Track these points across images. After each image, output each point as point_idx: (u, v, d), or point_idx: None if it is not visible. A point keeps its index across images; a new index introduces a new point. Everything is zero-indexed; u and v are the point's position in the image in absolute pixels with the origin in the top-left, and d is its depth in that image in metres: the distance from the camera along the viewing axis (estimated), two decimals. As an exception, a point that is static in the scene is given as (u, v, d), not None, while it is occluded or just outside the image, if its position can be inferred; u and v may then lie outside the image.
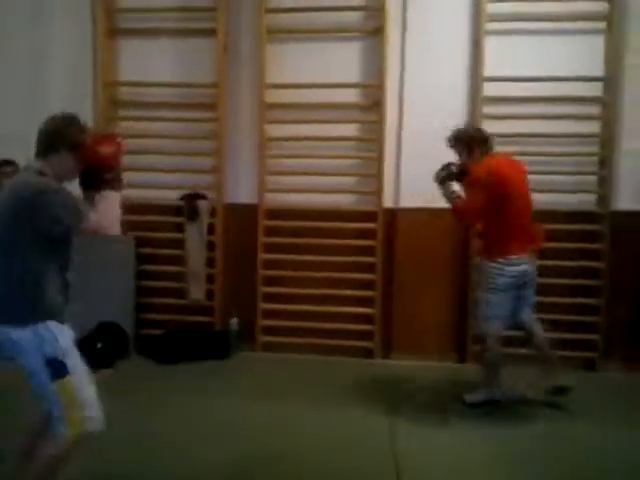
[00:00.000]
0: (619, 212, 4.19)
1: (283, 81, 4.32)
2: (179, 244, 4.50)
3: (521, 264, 3.34)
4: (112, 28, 4.46)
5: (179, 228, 4.50)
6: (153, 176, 4.54)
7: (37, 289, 2.13)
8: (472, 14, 4.21)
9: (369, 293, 4.40)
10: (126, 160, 4.57)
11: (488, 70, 4.17)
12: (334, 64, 4.31)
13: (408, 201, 4.34)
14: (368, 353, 4.39)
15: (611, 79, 4.14)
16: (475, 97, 4.23)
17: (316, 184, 4.39)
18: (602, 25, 4.16)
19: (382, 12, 4.22)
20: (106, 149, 2.38)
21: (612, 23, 4.11)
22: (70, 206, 2.16)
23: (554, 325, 3.91)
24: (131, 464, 2.82)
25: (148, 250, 4.53)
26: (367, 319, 4.41)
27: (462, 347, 4.39)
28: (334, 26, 4.32)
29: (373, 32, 4.31)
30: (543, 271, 3.68)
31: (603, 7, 4.13)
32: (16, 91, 4.55)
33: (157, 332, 4.49)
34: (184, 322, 4.53)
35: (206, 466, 2.81)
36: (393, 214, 4.36)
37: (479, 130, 3.58)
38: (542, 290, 3.66)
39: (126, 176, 4.55)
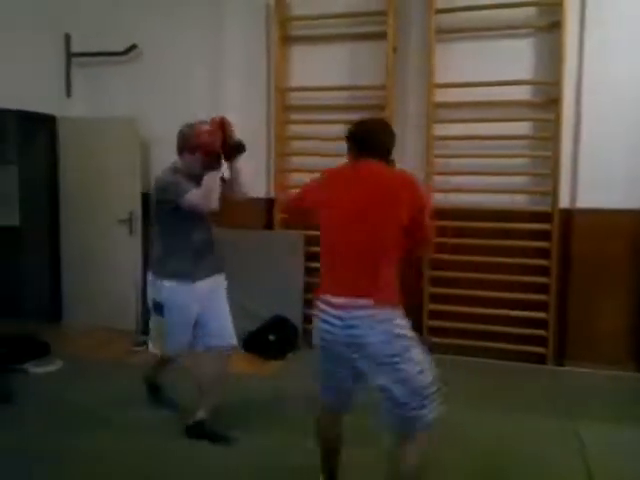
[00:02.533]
0: None
1: (452, 80, 4.28)
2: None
3: None
4: (285, 35, 4.66)
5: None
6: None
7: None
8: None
9: (542, 297, 4.24)
10: (298, 161, 4.84)
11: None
12: (505, 61, 4.19)
13: (586, 202, 4.13)
14: (540, 359, 4.24)
15: None
16: (664, 90, 3.95)
17: (485, 184, 4.31)
18: None
19: (560, 6, 4.03)
20: (204, 138, 2.78)
21: None
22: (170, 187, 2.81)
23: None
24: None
25: (316, 248, 4.66)
26: (540, 324, 4.25)
27: (642, 356, 4.13)
28: (506, 23, 4.21)
29: (548, 27, 4.14)
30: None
31: None
32: (194, 95, 4.88)
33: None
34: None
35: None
36: (569, 215, 4.18)
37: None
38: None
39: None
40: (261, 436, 3.13)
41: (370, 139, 2.31)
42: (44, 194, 5.32)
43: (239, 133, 4.74)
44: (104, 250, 5.05)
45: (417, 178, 2.29)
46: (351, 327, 2.13)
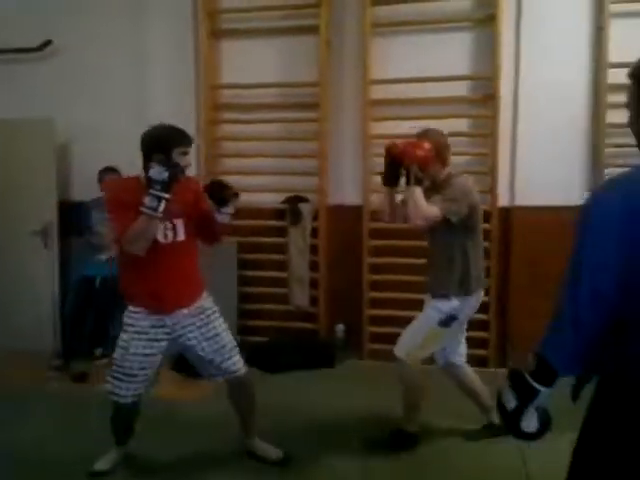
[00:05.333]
0: None
1: (388, 76, 4.14)
2: (281, 249, 4.37)
3: None
4: (214, 29, 4.41)
5: (281, 232, 4.38)
6: (254, 179, 4.43)
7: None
8: (594, -3, 3.92)
9: (483, 298, 4.11)
10: (229, 164, 4.58)
11: (613, 56, 3.85)
12: (442, 56, 4.08)
13: (525, 199, 4.06)
14: (482, 361, 4.11)
15: None
16: (599, 85, 3.92)
17: (425, 183, 4.17)
18: None
19: (495, -1, 3.97)
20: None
21: None
22: None
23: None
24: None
25: (250, 256, 4.42)
26: (481, 325, 4.13)
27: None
28: (442, 16, 4.10)
29: (485, 20, 4.06)
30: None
31: None
32: (117, 95, 4.57)
33: (260, 339, 4.38)
34: (287, 329, 4.39)
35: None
36: (508, 213, 4.09)
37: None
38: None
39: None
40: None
41: None
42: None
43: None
44: (15, 265, 4.58)
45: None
46: None
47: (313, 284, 4.37)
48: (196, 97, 4.47)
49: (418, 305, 4.13)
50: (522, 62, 3.99)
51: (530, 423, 1.40)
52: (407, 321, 4.14)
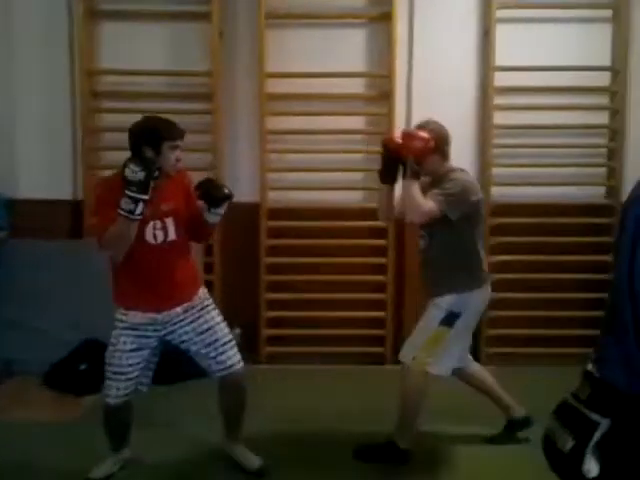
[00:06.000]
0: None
1: (284, 70, 4.01)
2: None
3: None
4: (92, 10, 4.00)
5: (171, 231, 4.09)
6: (140, 175, 4.12)
7: None
8: (481, 1, 4.05)
9: (380, 296, 4.14)
10: (111, 157, 4.20)
11: (499, 59, 4.01)
12: (339, 52, 4.04)
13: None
14: (379, 359, 4.13)
15: (619, 69, 4.07)
16: (486, 87, 4.07)
17: (322, 181, 4.11)
18: (609, 13, 4.09)
19: (389, -4, 3.98)
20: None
21: (619, 11, 4.03)
22: None
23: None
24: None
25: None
26: (378, 323, 4.15)
27: (475, 349, 4.21)
28: (338, 11, 4.05)
29: (379, 18, 4.06)
30: (544, 266, 4.05)
31: (612, -5, 4.07)
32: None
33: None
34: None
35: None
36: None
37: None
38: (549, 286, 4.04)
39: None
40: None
41: None
42: None
43: (37, 124, 4.09)
44: None
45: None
46: None
47: (207, 286, 4.11)
48: (70, 83, 4.05)
49: (317, 305, 4.11)
50: (415, 62, 4.05)
51: (591, 467, 1.12)
52: (306, 321, 4.10)
